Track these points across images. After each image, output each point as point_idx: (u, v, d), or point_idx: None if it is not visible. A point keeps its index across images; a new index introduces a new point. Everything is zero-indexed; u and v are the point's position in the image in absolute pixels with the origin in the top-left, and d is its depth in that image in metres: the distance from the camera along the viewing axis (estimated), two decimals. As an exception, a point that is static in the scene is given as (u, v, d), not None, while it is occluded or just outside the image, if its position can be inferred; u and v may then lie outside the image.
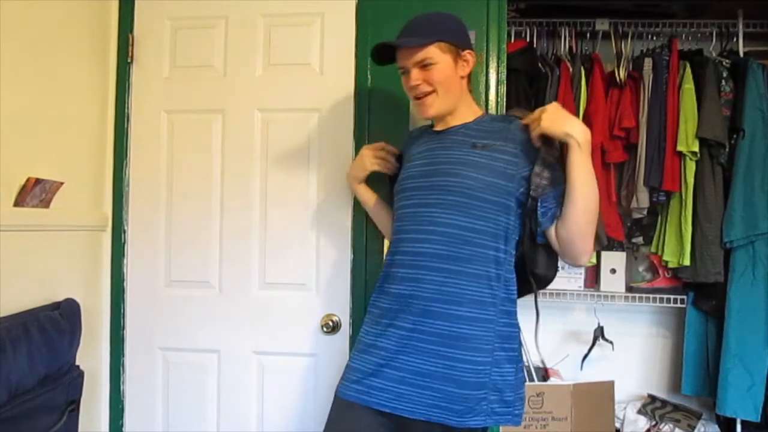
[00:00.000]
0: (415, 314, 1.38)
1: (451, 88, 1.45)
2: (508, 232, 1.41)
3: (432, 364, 1.36)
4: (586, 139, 1.33)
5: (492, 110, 1.88)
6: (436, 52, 1.42)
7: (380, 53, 1.49)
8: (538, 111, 1.39)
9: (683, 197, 2.40)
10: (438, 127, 1.52)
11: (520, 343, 1.46)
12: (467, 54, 1.47)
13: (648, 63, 2.47)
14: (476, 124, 1.48)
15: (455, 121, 1.49)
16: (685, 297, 2.54)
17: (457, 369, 1.35)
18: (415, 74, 1.43)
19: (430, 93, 1.44)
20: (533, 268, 1.47)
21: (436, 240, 1.38)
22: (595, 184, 1.36)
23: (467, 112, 1.50)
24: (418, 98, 1.45)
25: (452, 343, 1.35)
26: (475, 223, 1.37)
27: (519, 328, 1.46)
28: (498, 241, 1.39)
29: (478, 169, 1.39)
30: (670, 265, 2.49)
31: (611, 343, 2.60)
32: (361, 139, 1.90)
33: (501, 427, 1.89)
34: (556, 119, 1.34)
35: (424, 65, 1.42)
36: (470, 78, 1.53)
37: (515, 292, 1.44)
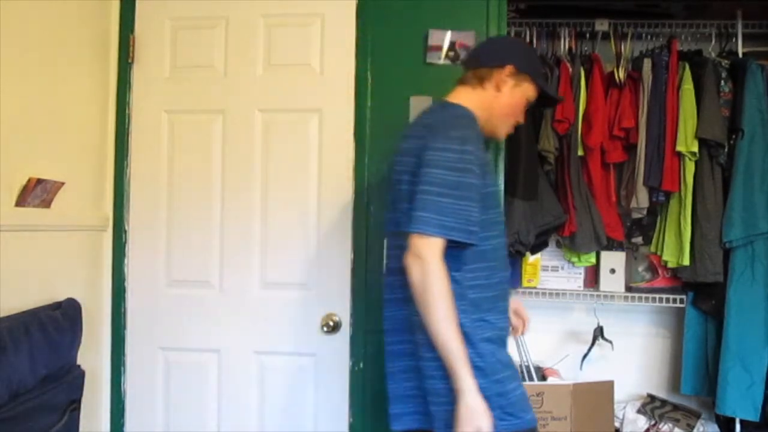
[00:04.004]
0: None
1: None
2: None
3: None
4: None
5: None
6: None
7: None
8: None
9: (683, 197, 2.40)
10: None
11: None
12: None
13: (647, 63, 2.46)
14: None
15: None
16: (684, 297, 2.53)
17: None
18: None
19: None
20: None
21: None
22: None
23: None
24: (513, 126, 1.57)
25: None
26: None
27: None
28: None
29: None
30: (670, 265, 2.48)
31: (611, 342, 2.60)
32: (361, 139, 1.91)
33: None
34: None
35: None
36: None
37: None
